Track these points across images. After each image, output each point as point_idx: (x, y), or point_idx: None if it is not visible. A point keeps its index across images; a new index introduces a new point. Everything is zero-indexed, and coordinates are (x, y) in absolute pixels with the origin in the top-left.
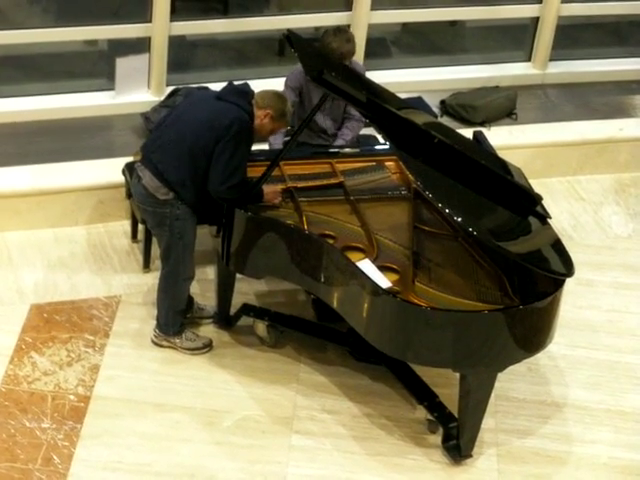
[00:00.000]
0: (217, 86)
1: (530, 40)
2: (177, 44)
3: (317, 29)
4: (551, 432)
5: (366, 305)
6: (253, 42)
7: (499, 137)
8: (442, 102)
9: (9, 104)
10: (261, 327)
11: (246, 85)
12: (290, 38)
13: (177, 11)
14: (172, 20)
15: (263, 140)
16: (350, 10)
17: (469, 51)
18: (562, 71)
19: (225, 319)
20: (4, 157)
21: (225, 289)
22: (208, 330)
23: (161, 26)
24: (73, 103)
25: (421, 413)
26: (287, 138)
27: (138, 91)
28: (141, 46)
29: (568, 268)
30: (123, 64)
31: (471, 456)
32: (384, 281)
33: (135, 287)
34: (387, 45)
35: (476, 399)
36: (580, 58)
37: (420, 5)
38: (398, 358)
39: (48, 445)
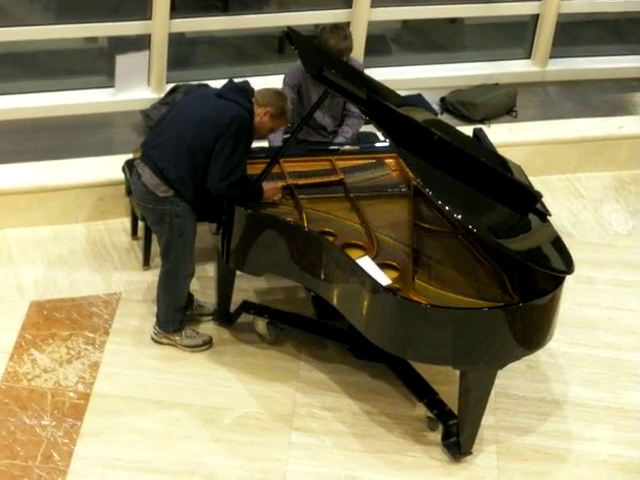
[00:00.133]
0: (217, 83)
1: (530, 37)
2: (177, 41)
3: (317, 26)
4: (551, 429)
5: (366, 302)
6: (253, 39)
7: (499, 134)
8: (442, 99)
9: (9, 101)
10: (261, 324)
11: (246, 83)
12: (290, 35)
13: (177, 8)
14: (172, 17)
15: (263, 138)
16: (350, 7)
17: (469, 48)
18: (562, 68)
19: (225, 316)
20: (4, 154)
21: (225, 286)
22: (208, 327)
23: (161, 23)
24: (73, 100)
25: (421, 410)
26: (287, 136)
27: (138, 88)
28: (141, 43)
29: (568, 265)
30: (123, 61)
31: (471, 453)
32: (384, 278)
33: (135, 284)
34: (387, 42)
35: (476, 396)
36: (580, 55)
37: (420, 2)
38: (398, 355)
39: (48, 442)
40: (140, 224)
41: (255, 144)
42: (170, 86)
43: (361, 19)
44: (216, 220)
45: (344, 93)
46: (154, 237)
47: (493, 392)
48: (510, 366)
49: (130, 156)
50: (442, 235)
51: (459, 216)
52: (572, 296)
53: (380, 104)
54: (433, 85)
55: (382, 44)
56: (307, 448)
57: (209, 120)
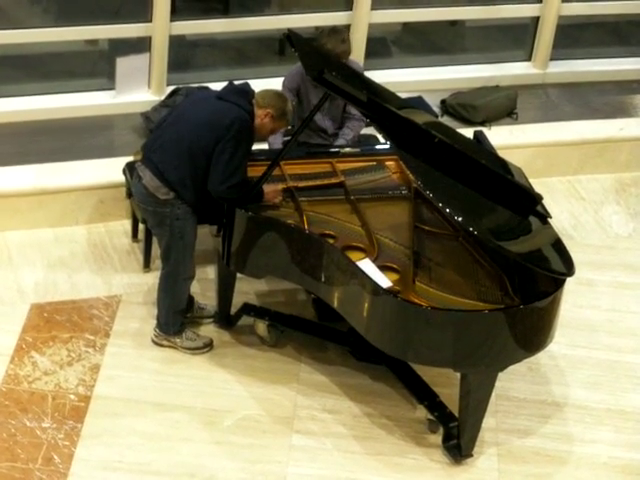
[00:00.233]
0: (217, 86)
1: (530, 40)
2: (177, 44)
3: (317, 29)
4: (551, 432)
5: (366, 305)
6: (253, 42)
7: (499, 137)
8: (442, 102)
9: (10, 104)
10: (261, 327)
11: (246, 85)
12: (290, 38)
13: (177, 11)
14: (172, 20)
15: (263, 140)
16: (350, 10)
17: (469, 51)
18: (562, 71)
19: (225, 319)
20: (5, 157)
21: (225, 289)
22: (208, 330)
23: (161, 26)
24: (74, 103)
25: (421, 413)
26: (287, 138)
27: (138, 91)
28: (141, 46)
29: (568, 268)
30: (123, 64)
31: (471, 456)
32: (384, 281)
33: (135, 287)
34: (387, 45)
35: (476, 399)
36: (580, 58)
37: (420, 5)
38: (398, 358)
39: (48, 445)
40: (141, 226)
41: (256, 146)
42: (170, 88)
43: (361, 21)
44: (217, 222)
45: (345, 95)
46: (154, 239)
47: (494, 394)
48: (511, 368)
49: (131, 158)
50: (443, 237)
51: (460, 218)
52: (572, 298)
53: (381, 106)
54: (433, 87)
55: (382, 46)
56: (308, 450)
57: (209, 122)
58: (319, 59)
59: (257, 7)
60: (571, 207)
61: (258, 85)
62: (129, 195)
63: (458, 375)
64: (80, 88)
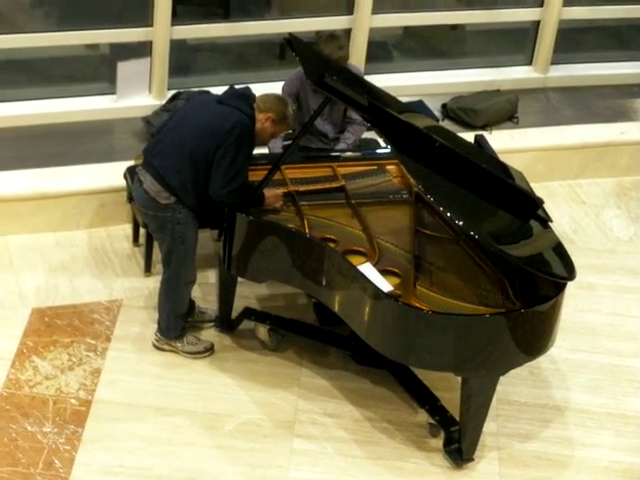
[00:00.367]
0: (218, 90)
1: (531, 44)
2: (178, 48)
3: (318, 33)
4: (552, 436)
5: (367, 309)
6: (254, 46)
7: (500, 141)
8: (443, 106)
9: (11, 108)
10: (262, 331)
11: (247, 89)
12: (291, 42)
13: (178, 15)
14: (173, 24)
15: (264, 144)
16: (351, 14)
17: (470, 55)
18: (563, 75)
19: (226, 323)
20: (5, 161)
21: (226, 293)
22: (209, 334)
23: (162, 30)
24: (74, 107)
25: (423, 417)
26: (287, 142)
27: (139, 95)
28: (142, 50)
29: (569, 271)
30: (124, 68)
31: (472, 460)
32: (385, 285)
33: (136, 291)
34: (388, 49)
35: (478, 403)
36: (581, 62)
37: (421, 9)
38: (400, 362)
39: (49, 449)
40: (141, 231)
41: (257, 150)
42: (171, 93)
43: (362, 26)
44: (218, 227)
45: (345, 100)
46: (155, 244)
47: (495, 398)
48: (512, 372)
49: (131, 163)
50: (443, 241)
51: (460, 222)
52: (573, 302)
53: (381, 110)
54: (434, 91)
55: (383, 50)
56: (309, 455)
57: (210, 127)
58: (320, 63)
59: (258, 11)
60: (572, 211)
61: (259, 89)
62: (130, 199)
63: (459, 379)
64: (81, 92)
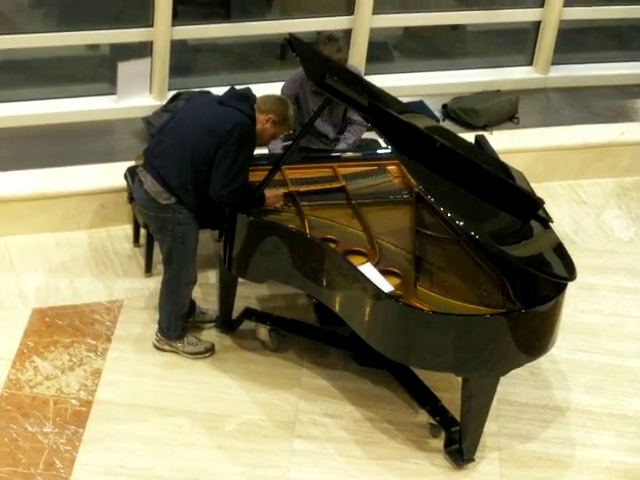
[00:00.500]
0: (219, 90)
1: (532, 44)
2: (179, 48)
3: (319, 33)
4: (553, 436)
5: (368, 309)
6: (255, 46)
7: (501, 141)
8: (444, 106)
9: (11, 108)
10: (263, 331)
11: (248, 89)
12: (292, 42)
13: (179, 15)
14: (174, 24)
15: (264, 145)
16: (352, 14)
17: (471, 55)
18: (564, 75)
19: (227, 323)
20: (6, 161)
21: (227, 293)
22: (210, 334)
23: (163, 30)
24: (75, 107)
25: (423, 417)
26: (286, 143)
27: (140, 95)
28: (143, 50)
29: (570, 272)
30: (125, 68)
31: (473, 460)
32: (386, 285)
33: (137, 291)
34: (389, 49)
35: (478, 403)
36: (582, 62)
37: (422, 9)
38: (400, 362)
39: (50, 449)
40: (142, 231)
41: (257, 151)
42: (172, 93)
43: (363, 26)
44: (218, 227)
45: (346, 100)
46: (156, 244)
47: (495, 399)
48: (512, 373)
49: (132, 163)
50: (444, 242)
51: (461, 223)
52: (574, 302)
53: (382, 111)
54: (435, 92)
55: (384, 51)
56: (309, 455)
57: (211, 127)
58: (320, 64)
59: (258, 12)
60: (572, 211)
61: (260, 90)
62: (131, 200)
63: (460, 380)
64: (81, 93)
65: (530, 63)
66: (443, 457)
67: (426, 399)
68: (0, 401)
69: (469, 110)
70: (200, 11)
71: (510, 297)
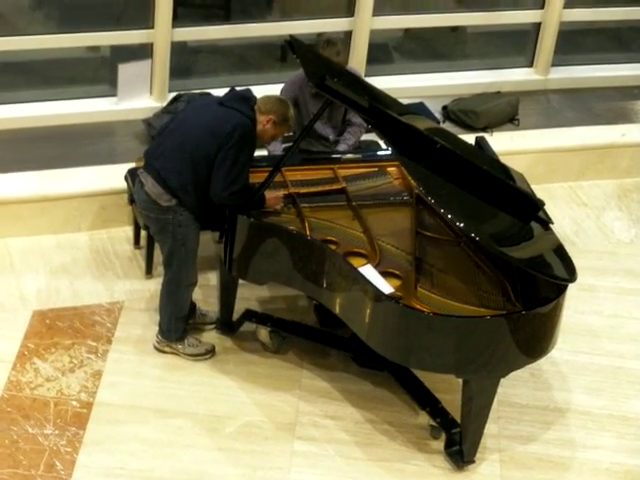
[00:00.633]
0: (219, 92)
1: (532, 46)
2: (179, 50)
3: (319, 35)
4: (554, 438)
5: (368, 311)
6: (255, 48)
7: (501, 143)
8: (444, 108)
9: (11, 110)
10: (263, 333)
11: (248, 91)
12: (292, 44)
13: (179, 17)
14: (174, 26)
15: (265, 145)
16: (352, 16)
17: (471, 57)
18: (564, 77)
19: (227, 325)
20: (6, 163)
21: (227, 295)
22: (210, 336)
23: (163, 32)
24: (75, 109)
25: (424, 419)
26: (286, 145)
27: (140, 97)
28: (143, 52)
29: (570, 273)
30: (125, 70)
31: (474, 462)
32: (386, 287)
33: (137, 293)
34: (389, 51)
35: (479, 405)
36: (582, 64)
37: (422, 11)
38: (400, 364)
39: (51, 451)
40: (143, 233)
41: (258, 152)
42: (172, 95)
43: (363, 28)
44: (219, 229)
45: (346, 102)
46: (157, 246)
47: (496, 400)
48: (513, 374)
49: (132, 165)
50: (444, 243)
51: (461, 224)
52: (574, 304)
53: (382, 112)
54: (435, 93)
55: (384, 53)
56: (309, 457)
57: (211, 129)
58: (321, 65)
59: (259, 13)
60: (573, 213)
61: (260, 92)
62: (131, 202)
63: (460, 381)
64: (82, 95)
65: (530, 65)
66: (444, 459)
67: (426, 401)
68: (1, 403)
69: (469, 112)
70: (200, 13)
71: (510, 299)
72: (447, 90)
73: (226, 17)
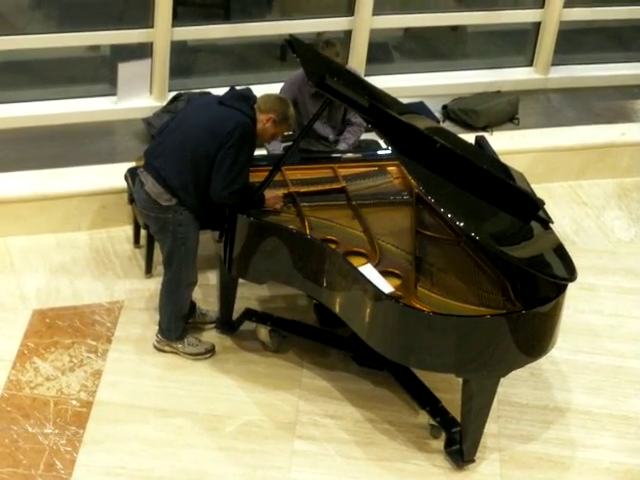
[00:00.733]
0: (219, 91)
1: (532, 45)
2: (179, 49)
3: (319, 34)
4: (554, 437)
5: (368, 310)
6: (255, 47)
7: (501, 142)
8: (444, 107)
9: (11, 109)
10: (263, 332)
11: (248, 90)
12: (292, 43)
13: (179, 16)
14: (174, 25)
15: (265, 144)
16: (352, 15)
17: (471, 56)
18: (564, 76)
19: (227, 324)
20: (6, 162)
21: (227, 294)
22: (210, 335)
23: (163, 31)
24: (75, 108)
25: (424, 418)
26: (286, 144)
27: (140, 96)
28: (143, 51)
29: (570, 273)
30: (125, 69)
31: (474, 461)
32: (386, 286)
33: (137, 292)
34: (389, 50)
35: (479, 404)
36: (582, 63)
37: (422, 10)
38: (400, 363)
39: (50, 450)
40: (143, 232)
41: (258, 152)
42: (172, 94)
43: (363, 27)
44: (219, 228)
45: (346, 101)
46: (156, 245)
47: (496, 400)
48: (513, 374)
49: (132, 164)
50: (444, 242)
51: (461, 223)
52: (574, 303)
53: (382, 112)
54: (435, 93)
55: (384, 52)
56: (310, 456)
57: (211, 128)
58: (321, 65)
59: (258, 13)
60: (573, 212)
61: (260, 91)
62: (131, 201)
63: (460, 380)
64: (82, 94)
65: (530, 64)
66: (443, 458)
67: (426, 400)
68: (0, 402)
69: (469, 111)
70: (200, 12)
71: (510, 298)
72: (447, 89)
73: (226, 16)
